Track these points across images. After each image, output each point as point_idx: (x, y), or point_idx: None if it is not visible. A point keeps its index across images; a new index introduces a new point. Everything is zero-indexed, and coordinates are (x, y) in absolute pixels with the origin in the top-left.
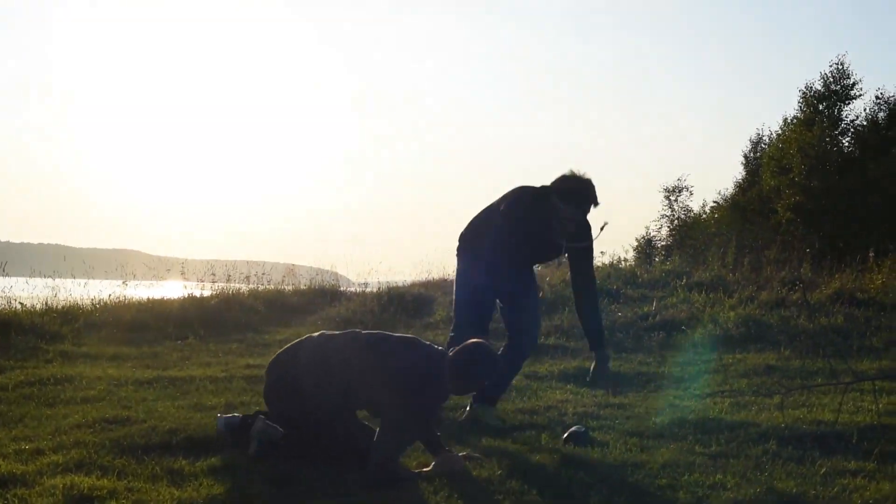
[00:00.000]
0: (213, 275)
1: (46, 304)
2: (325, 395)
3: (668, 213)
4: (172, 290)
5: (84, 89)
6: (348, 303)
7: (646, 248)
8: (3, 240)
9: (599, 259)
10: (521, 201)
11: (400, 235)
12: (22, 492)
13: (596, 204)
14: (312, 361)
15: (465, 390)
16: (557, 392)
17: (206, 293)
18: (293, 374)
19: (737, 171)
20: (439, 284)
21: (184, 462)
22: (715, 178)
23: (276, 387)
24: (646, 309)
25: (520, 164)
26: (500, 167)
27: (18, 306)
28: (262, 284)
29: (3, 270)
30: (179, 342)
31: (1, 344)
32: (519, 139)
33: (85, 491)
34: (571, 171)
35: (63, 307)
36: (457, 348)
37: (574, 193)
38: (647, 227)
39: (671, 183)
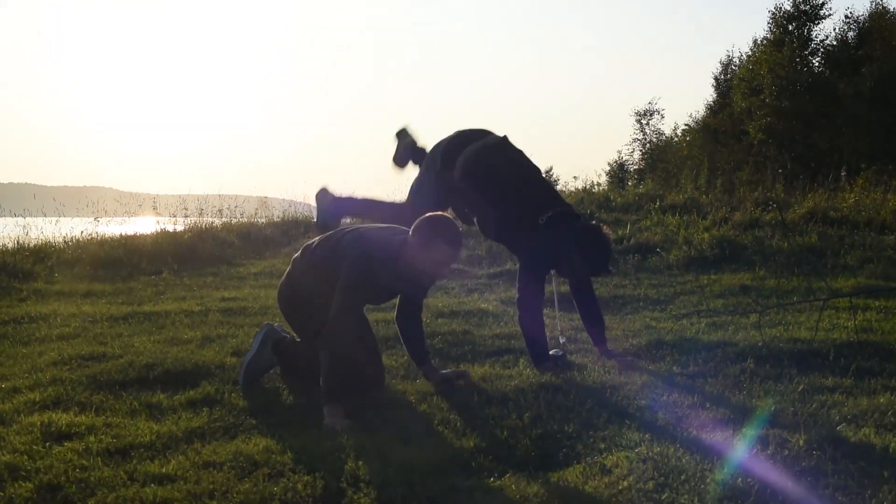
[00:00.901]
0: (186, 209)
1: (18, 242)
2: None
3: (640, 136)
4: (145, 225)
5: (51, 25)
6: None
7: (618, 172)
8: None
9: (572, 184)
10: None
11: (372, 165)
12: (0, 430)
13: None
14: (308, 264)
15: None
16: None
17: (179, 228)
18: (296, 281)
19: (707, 94)
20: None
21: (161, 396)
22: (686, 101)
23: (285, 298)
24: (620, 232)
25: (491, 91)
26: (470, 94)
27: None
28: (235, 217)
29: None
30: (153, 277)
31: None
32: (490, 65)
33: (63, 427)
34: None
35: (35, 245)
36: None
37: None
38: (619, 152)
39: (642, 107)
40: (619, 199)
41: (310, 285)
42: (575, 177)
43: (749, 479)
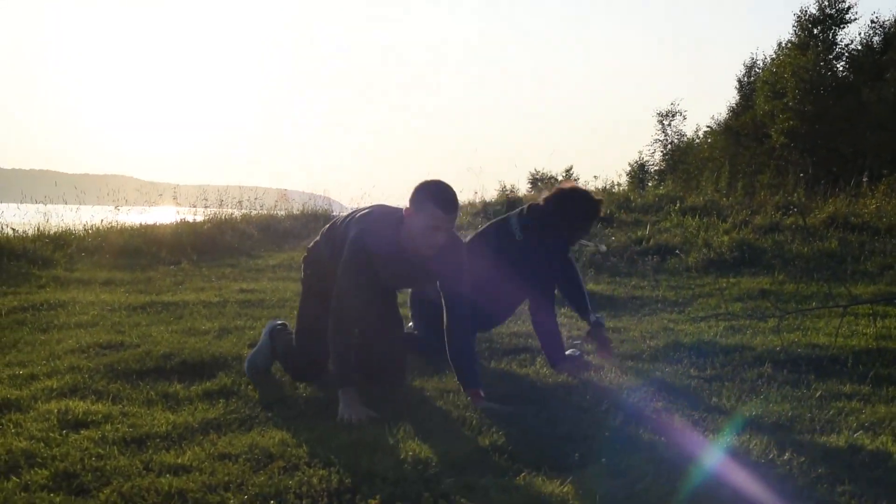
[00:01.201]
0: (206, 200)
1: (38, 229)
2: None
3: (662, 137)
4: (165, 215)
5: (73, 11)
6: None
7: (639, 172)
8: None
9: (593, 183)
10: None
11: (392, 160)
12: (17, 416)
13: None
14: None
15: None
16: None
17: (199, 218)
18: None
19: (730, 96)
20: None
21: (178, 386)
22: (708, 103)
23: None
24: (639, 233)
25: (512, 88)
26: (493, 92)
27: (10, 232)
28: (255, 209)
29: None
30: (172, 267)
31: None
32: (512, 63)
33: (80, 415)
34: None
35: (55, 233)
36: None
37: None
38: (640, 152)
39: (664, 107)
40: (638, 199)
41: (325, 259)
42: (595, 176)
43: (764, 484)
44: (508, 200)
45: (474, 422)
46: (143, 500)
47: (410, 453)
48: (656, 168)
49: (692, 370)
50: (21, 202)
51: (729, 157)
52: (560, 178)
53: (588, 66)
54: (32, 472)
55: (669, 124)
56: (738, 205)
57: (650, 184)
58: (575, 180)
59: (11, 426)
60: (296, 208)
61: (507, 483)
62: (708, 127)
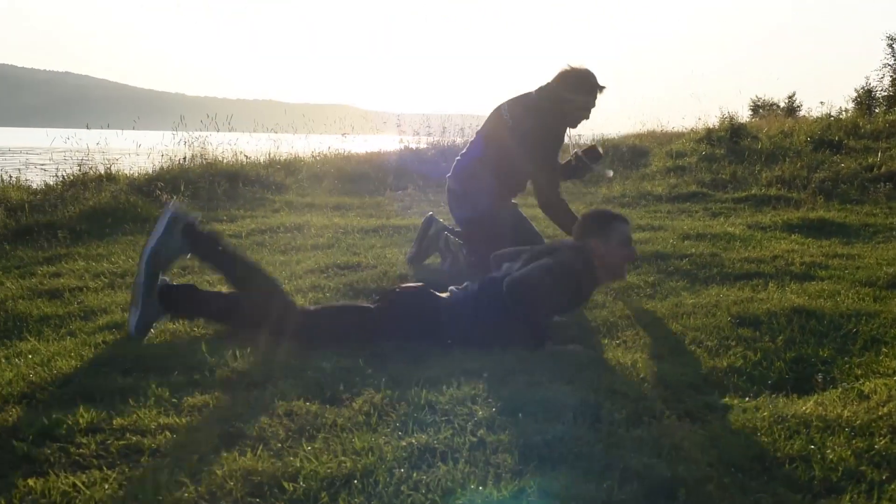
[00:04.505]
0: (429, 127)
1: (270, 156)
2: None
3: (892, 62)
4: (388, 143)
5: None
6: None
7: (865, 99)
8: (219, 96)
9: (817, 110)
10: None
11: (619, 86)
12: None
13: (601, 89)
14: None
15: None
16: (783, 242)
17: (423, 146)
18: None
19: None
20: (654, 136)
21: None
22: None
23: None
24: (870, 160)
25: (733, 12)
26: (714, 18)
27: (244, 159)
28: None
29: (229, 124)
30: (399, 192)
31: (230, 194)
32: None
33: None
34: (569, 66)
35: (286, 160)
36: None
37: (582, 82)
38: (867, 78)
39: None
40: (867, 126)
41: None
42: (822, 102)
43: None
44: (732, 127)
45: (710, 344)
46: (395, 409)
47: (649, 372)
48: (885, 94)
49: None
50: (253, 131)
51: None
52: (782, 104)
53: None
54: (287, 382)
55: None
56: None
57: (877, 110)
58: (798, 107)
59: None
60: None
61: (748, 403)
62: None
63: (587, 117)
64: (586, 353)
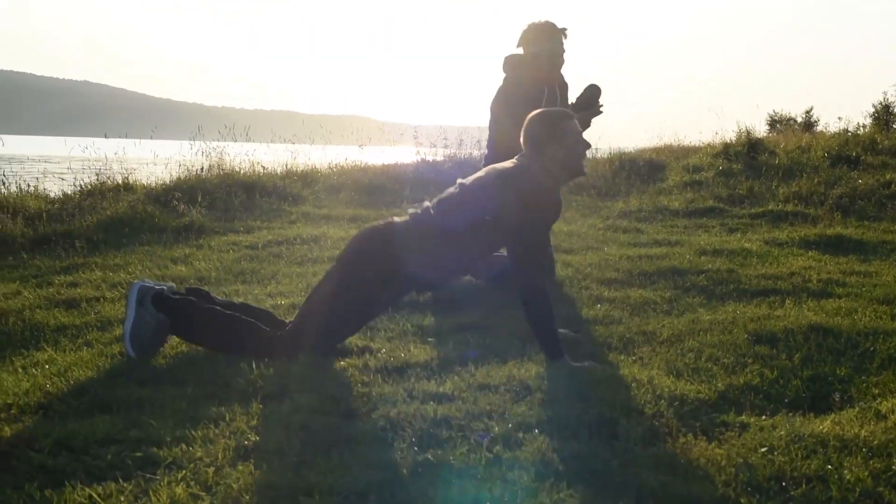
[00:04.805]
0: (446, 139)
1: (287, 167)
2: None
3: None
4: (404, 154)
5: None
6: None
7: (883, 114)
8: (237, 106)
9: (834, 125)
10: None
11: (631, 100)
12: None
13: (565, 34)
14: None
15: None
16: (800, 258)
17: (439, 158)
18: None
19: None
20: (671, 150)
21: (432, 318)
22: None
23: None
24: (888, 176)
25: (752, 28)
26: (734, 32)
27: (261, 170)
28: None
29: (247, 135)
30: (416, 204)
31: (247, 205)
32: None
33: (360, 343)
34: (529, 24)
35: (302, 171)
36: None
37: (543, 33)
38: (885, 93)
39: None
40: (885, 141)
41: None
42: (839, 118)
43: None
44: (749, 142)
45: (726, 361)
46: (411, 424)
47: (665, 389)
48: None
49: None
50: (270, 142)
51: None
52: (800, 119)
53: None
54: (303, 395)
55: None
56: None
57: (895, 126)
58: (815, 122)
59: None
60: None
61: (765, 422)
62: None
63: (561, 62)
64: (602, 369)
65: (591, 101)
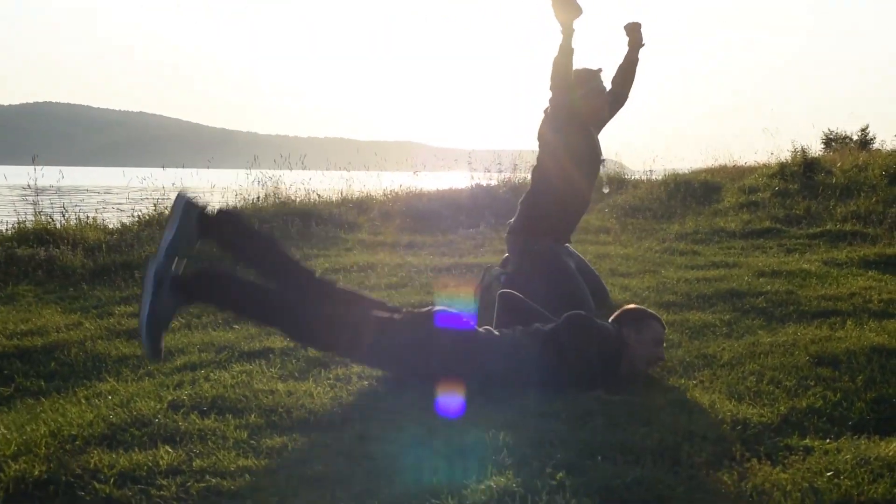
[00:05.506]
0: (500, 164)
1: (342, 194)
2: None
3: None
4: (460, 180)
5: None
6: (634, 190)
7: None
8: (290, 134)
9: (891, 143)
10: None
11: (685, 124)
12: (342, 371)
13: (599, 71)
14: None
15: None
16: (859, 279)
17: (493, 182)
18: None
19: None
20: (726, 171)
21: None
22: None
23: None
24: None
25: (805, 42)
26: (788, 49)
27: (316, 198)
28: None
29: (302, 163)
30: (471, 230)
31: (303, 233)
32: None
33: None
34: None
35: (358, 198)
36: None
37: (579, 79)
38: None
39: None
40: None
41: None
42: None
43: None
44: (805, 162)
45: (788, 384)
46: (473, 451)
47: (728, 413)
48: None
49: None
50: (326, 169)
51: None
52: (855, 137)
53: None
54: (365, 424)
55: None
56: None
57: None
58: (871, 140)
59: (336, 382)
60: None
61: (829, 445)
62: None
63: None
64: (654, 399)
65: (635, 39)
